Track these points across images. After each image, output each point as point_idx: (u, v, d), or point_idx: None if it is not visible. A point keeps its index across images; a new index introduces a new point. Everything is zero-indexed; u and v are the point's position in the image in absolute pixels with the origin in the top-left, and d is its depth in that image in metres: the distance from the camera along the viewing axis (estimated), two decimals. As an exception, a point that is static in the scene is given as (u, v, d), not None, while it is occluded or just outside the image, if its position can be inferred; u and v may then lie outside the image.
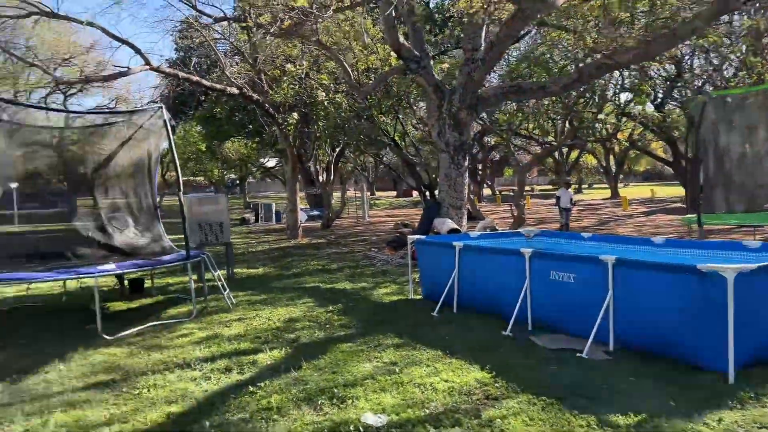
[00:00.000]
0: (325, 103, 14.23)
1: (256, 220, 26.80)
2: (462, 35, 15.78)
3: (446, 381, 4.52)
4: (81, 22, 11.09)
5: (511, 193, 39.67)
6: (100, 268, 6.49)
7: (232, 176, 50.28)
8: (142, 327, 6.65)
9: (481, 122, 21.43)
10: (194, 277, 7.68)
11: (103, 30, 11.54)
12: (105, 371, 5.11)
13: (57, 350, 5.79)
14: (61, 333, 6.55)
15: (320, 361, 5.14)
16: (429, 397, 4.21)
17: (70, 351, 5.74)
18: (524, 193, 17.59)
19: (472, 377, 4.60)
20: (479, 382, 4.48)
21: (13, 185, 9.03)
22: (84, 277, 6.64)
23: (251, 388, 4.47)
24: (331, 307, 7.44)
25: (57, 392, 4.59)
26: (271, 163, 41.49)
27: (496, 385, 4.42)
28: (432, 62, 12.12)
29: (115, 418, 4.03)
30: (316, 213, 26.22)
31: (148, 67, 11.80)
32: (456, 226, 10.54)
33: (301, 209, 20.15)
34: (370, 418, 3.80)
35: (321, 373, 4.79)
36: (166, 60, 23.98)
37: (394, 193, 53.47)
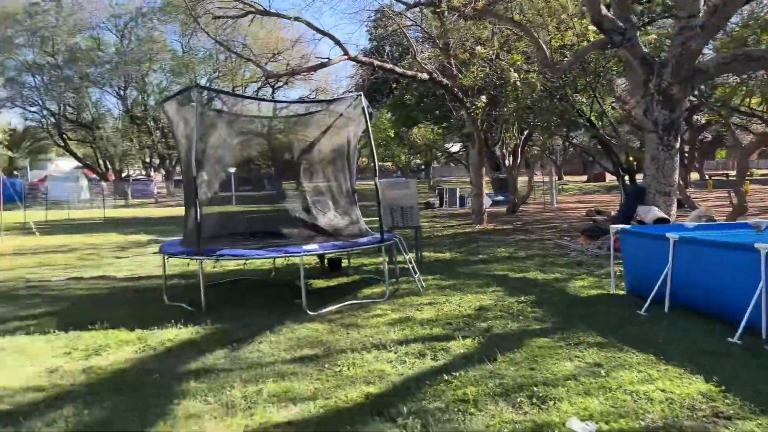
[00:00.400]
0: (517, 83, 13.69)
1: (441, 205, 27.09)
2: (671, 2, 14.13)
3: (663, 391, 4.01)
4: (289, 18, 12.04)
5: (726, 179, 35.03)
6: (305, 247, 6.95)
7: (418, 161, 51.56)
8: (340, 305, 6.99)
9: (693, 98, 19.10)
10: (386, 259, 7.89)
11: (308, 24, 12.35)
12: (309, 346, 5.43)
13: (267, 322, 6.30)
14: (271, 306, 7.12)
15: (516, 354, 4.90)
16: (643, 408, 3.76)
17: (278, 324, 6.20)
18: (745, 179, 15.29)
19: (694, 389, 4.03)
20: (704, 396, 3.90)
21: (231, 170, 10.07)
22: (292, 256, 7.16)
23: (446, 377, 4.40)
24: (522, 298, 7.13)
25: (269, 362, 4.96)
26: (455, 148, 41.77)
27: (726, 401, 3.81)
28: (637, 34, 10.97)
29: (319, 393, 4.23)
30: (500, 198, 25.70)
31: (346, 57, 12.38)
32: (664, 215, 9.47)
33: (486, 194, 19.86)
34: (577, 425, 3.49)
35: (517, 368, 4.56)
36: (361, 50, 25.13)
37: (584, 178, 50.40)
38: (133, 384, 4.52)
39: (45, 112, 48.14)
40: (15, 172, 48.39)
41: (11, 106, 46.47)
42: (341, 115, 8.13)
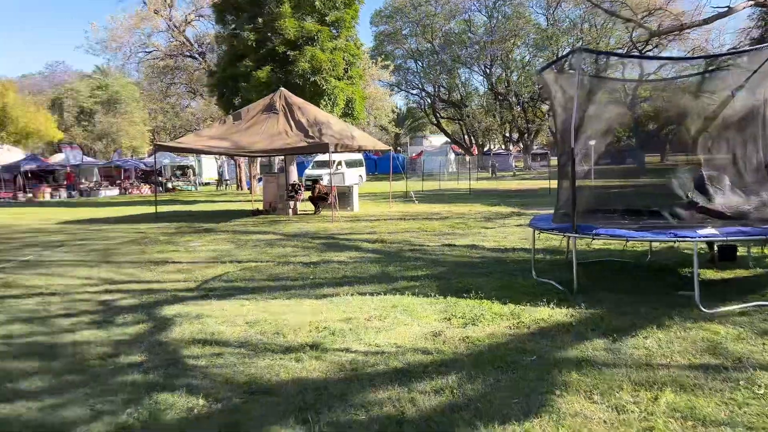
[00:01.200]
0: None
1: None
2: None
3: None
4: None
5: None
6: (701, 232, 5.83)
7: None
8: (745, 305, 5.68)
9: None
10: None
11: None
12: (710, 352, 4.47)
13: (650, 314, 5.50)
14: (650, 295, 6.24)
15: None
16: None
17: (663, 318, 5.34)
18: None
19: None
20: None
21: (591, 142, 9.18)
22: (683, 241, 6.12)
23: None
24: None
25: (660, 365, 4.23)
26: None
27: None
28: None
29: (736, 418, 3.35)
30: None
31: (752, 2, 10.12)
32: None
33: None
34: None
35: None
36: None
37: None
38: (511, 363, 4.37)
39: (423, 93, 54.47)
40: (398, 148, 56.18)
41: (398, 91, 54.08)
42: (756, 71, 6.53)
